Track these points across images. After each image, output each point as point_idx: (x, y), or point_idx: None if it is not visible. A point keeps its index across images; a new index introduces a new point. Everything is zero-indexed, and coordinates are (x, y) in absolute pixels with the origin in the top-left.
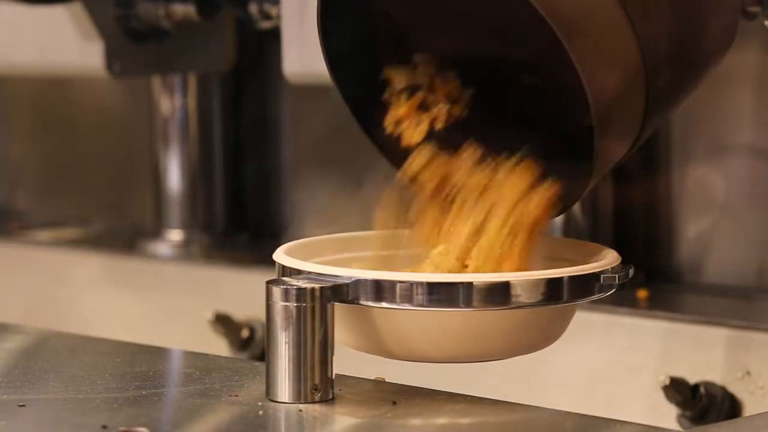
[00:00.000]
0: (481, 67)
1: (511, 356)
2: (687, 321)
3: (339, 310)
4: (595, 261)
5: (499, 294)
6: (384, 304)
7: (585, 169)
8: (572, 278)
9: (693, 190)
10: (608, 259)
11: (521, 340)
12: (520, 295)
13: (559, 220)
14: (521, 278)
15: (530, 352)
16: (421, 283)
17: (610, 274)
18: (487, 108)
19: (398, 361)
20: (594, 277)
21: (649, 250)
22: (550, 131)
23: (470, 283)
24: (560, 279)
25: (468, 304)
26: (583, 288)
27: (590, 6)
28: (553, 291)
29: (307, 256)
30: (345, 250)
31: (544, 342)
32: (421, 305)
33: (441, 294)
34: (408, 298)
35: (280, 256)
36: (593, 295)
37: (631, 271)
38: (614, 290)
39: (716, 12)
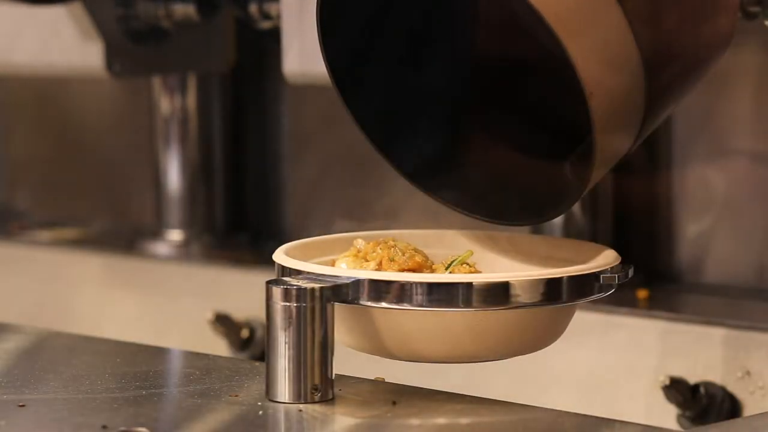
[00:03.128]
0: (487, 65)
1: (511, 356)
2: (687, 321)
3: (339, 310)
4: (595, 261)
5: (498, 294)
6: (384, 304)
7: (585, 168)
8: (572, 278)
9: (693, 190)
10: (608, 259)
11: (521, 340)
12: (520, 295)
13: (559, 220)
14: (520, 278)
15: (530, 352)
16: (421, 284)
17: (609, 274)
18: (497, 105)
19: (398, 361)
20: (593, 277)
21: (649, 250)
22: (556, 129)
23: (470, 284)
24: (560, 279)
25: (467, 304)
26: (582, 288)
27: (588, 6)
28: (552, 291)
29: (307, 257)
30: (345, 250)
31: (543, 342)
32: (421, 305)
33: (441, 294)
34: (407, 298)
35: (280, 256)
36: (593, 295)
37: (631, 271)
38: (614, 290)
39: (716, 11)
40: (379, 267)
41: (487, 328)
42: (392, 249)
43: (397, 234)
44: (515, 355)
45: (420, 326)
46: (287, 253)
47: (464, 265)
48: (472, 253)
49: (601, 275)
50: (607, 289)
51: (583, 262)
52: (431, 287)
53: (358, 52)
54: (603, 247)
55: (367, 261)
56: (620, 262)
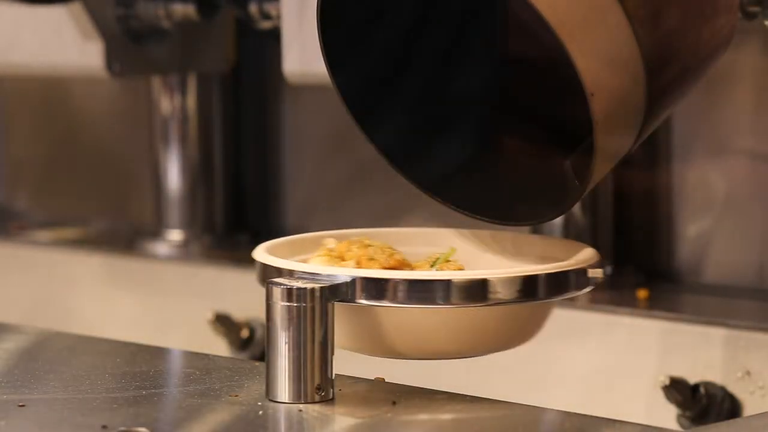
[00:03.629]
0: (487, 65)
1: (491, 353)
2: (687, 321)
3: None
4: (574, 258)
5: (477, 291)
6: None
7: (586, 168)
8: (550, 275)
9: (693, 190)
10: (586, 256)
11: (500, 336)
12: (499, 292)
13: (559, 220)
14: (500, 276)
15: (508, 349)
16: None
17: (588, 271)
18: (497, 105)
19: (398, 361)
20: (572, 274)
21: (649, 250)
22: (556, 128)
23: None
24: (537, 276)
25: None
26: (560, 285)
27: (589, 7)
28: (530, 288)
29: (280, 257)
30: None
31: (522, 339)
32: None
33: (428, 291)
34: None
35: (261, 254)
36: (571, 292)
37: (608, 269)
38: (592, 287)
39: (716, 11)
40: (359, 266)
41: (468, 325)
42: (369, 248)
43: (370, 233)
44: (495, 352)
45: (413, 323)
46: (268, 252)
47: (449, 262)
48: (454, 251)
49: (580, 272)
50: (585, 286)
51: (561, 259)
52: (420, 284)
53: (358, 52)
54: (582, 244)
55: (343, 260)
56: (599, 260)
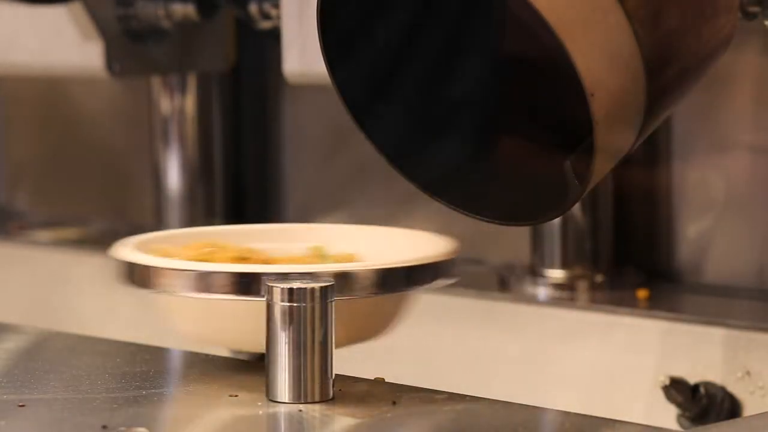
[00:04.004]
0: (487, 63)
1: (349, 344)
2: (687, 321)
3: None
4: (434, 251)
5: (340, 283)
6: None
7: (586, 168)
8: (409, 268)
9: (693, 190)
10: (445, 249)
11: (359, 328)
12: (362, 284)
13: (559, 220)
14: (361, 269)
15: (366, 341)
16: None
17: (446, 264)
18: (497, 104)
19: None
20: (432, 267)
21: (649, 250)
22: (555, 128)
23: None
24: (397, 269)
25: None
26: (418, 277)
27: (589, 7)
28: (389, 280)
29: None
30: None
31: (380, 330)
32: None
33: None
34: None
35: (121, 251)
36: (429, 283)
37: (457, 261)
38: (455, 279)
39: (716, 12)
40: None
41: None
42: (238, 249)
43: (216, 231)
44: (352, 344)
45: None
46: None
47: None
48: (323, 246)
49: (438, 265)
50: (440, 278)
51: (420, 252)
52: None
53: (358, 51)
54: (443, 237)
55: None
56: (457, 254)
